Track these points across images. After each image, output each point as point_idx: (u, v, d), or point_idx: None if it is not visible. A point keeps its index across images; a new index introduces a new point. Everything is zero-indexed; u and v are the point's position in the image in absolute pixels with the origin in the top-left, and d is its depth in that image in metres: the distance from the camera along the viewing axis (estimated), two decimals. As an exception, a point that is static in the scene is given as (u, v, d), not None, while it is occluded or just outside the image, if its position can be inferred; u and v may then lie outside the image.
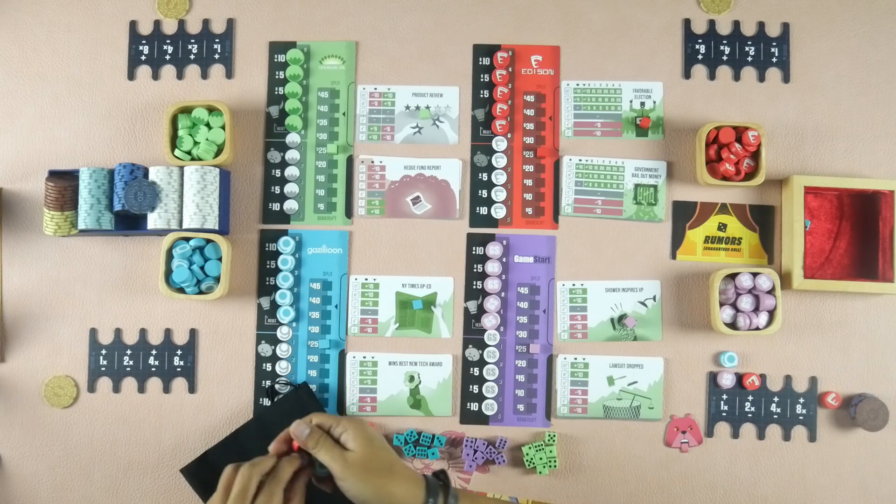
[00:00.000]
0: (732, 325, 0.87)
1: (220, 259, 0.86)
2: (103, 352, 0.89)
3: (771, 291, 0.86)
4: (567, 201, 0.90)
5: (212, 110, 0.89)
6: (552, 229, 0.90)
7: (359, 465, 0.69)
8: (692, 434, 0.88)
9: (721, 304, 0.87)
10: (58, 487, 0.88)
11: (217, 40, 0.92)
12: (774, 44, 0.92)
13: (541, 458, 0.86)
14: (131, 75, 0.92)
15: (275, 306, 0.89)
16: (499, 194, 0.90)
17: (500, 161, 0.91)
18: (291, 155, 0.91)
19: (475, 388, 0.89)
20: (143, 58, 0.92)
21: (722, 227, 0.90)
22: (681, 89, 0.92)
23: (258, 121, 0.91)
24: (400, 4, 0.92)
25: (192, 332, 0.89)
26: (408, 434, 0.87)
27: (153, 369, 0.89)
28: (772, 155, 0.90)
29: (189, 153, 0.88)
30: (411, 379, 0.89)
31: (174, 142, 0.88)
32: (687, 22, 0.92)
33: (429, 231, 0.90)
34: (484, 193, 0.91)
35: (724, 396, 0.88)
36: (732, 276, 0.87)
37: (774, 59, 0.92)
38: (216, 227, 0.86)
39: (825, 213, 0.90)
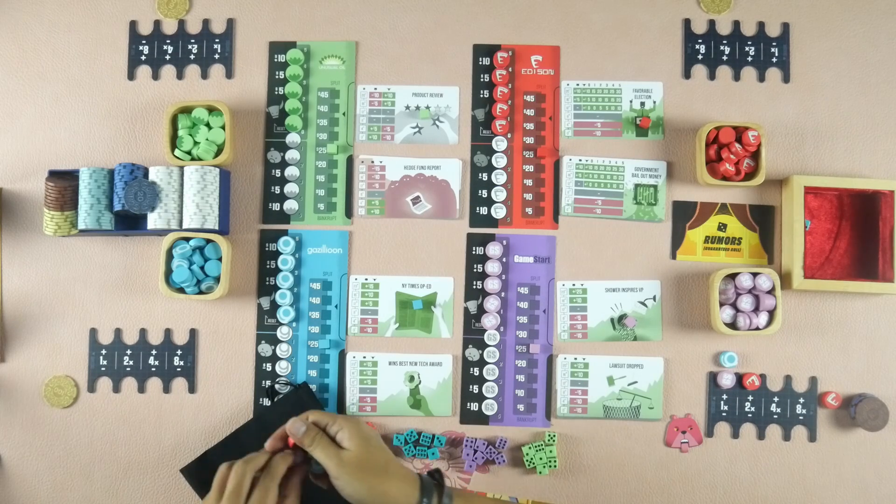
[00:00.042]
0: (732, 325, 0.87)
1: (220, 259, 0.86)
2: (103, 352, 0.89)
3: (771, 291, 0.86)
4: (567, 201, 0.90)
5: (212, 110, 0.89)
6: (552, 229, 0.90)
7: (354, 465, 0.70)
8: (692, 434, 0.88)
9: (721, 304, 0.87)
10: (58, 487, 0.88)
11: (217, 40, 0.92)
12: (774, 44, 0.92)
13: (541, 458, 0.86)
14: (131, 75, 0.92)
15: (275, 306, 0.89)
16: (499, 194, 0.90)
17: (500, 161, 0.91)
18: (291, 155, 0.91)
19: (475, 388, 0.89)
20: (143, 58, 0.92)
21: (722, 227, 0.90)
22: (681, 89, 0.92)
23: (258, 121, 0.91)
24: (400, 4, 0.92)
25: (192, 332, 0.89)
26: (408, 434, 0.87)
27: (153, 369, 0.89)
28: (772, 155, 0.90)
29: (189, 153, 0.88)
30: (411, 379, 0.89)
31: (174, 142, 0.88)
32: (687, 22, 0.92)
33: (429, 231, 0.90)
34: (484, 193, 0.91)
35: (724, 396, 0.88)
36: (732, 276, 0.87)
37: (774, 59, 0.92)
38: (216, 227, 0.86)
39: (825, 213, 0.90)
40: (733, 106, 0.91)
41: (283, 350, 0.89)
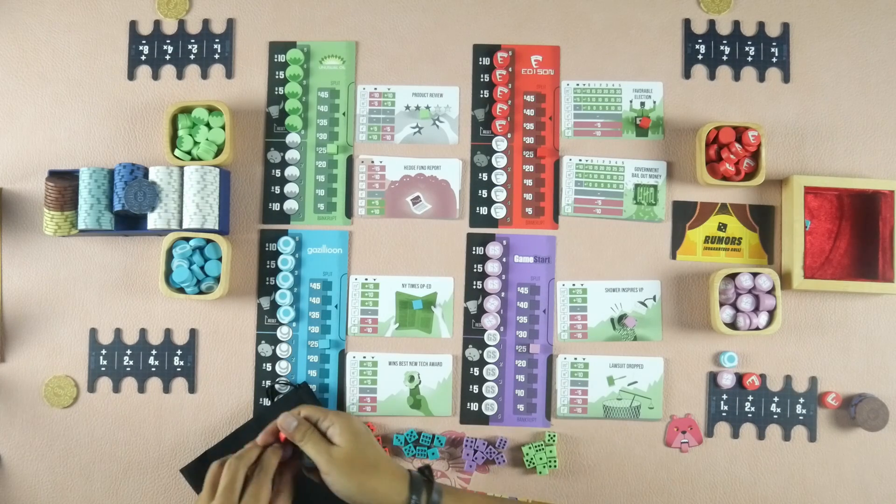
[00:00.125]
0: (732, 325, 0.87)
1: (220, 259, 0.86)
2: (103, 352, 0.89)
3: (771, 291, 0.86)
4: (567, 201, 0.90)
5: (212, 110, 0.89)
6: (552, 229, 0.90)
7: (343, 461, 0.70)
8: (692, 434, 0.88)
9: (721, 304, 0.87)
10: (58, 487, 0.88)
11: (217, 40, 0.92)
12: (774, 44, 0.92)
13: (541, 458, 0.86)
14: (131, 75, 0.92)
15: (275, 306, 0.89)
16: (499, 194, 0.90)
17: (500, 161, 0.91)
18: (291, 155, 0.91)
19: (475, 388, 0.89)
20: (143, 58, 0.92)
21: (722, 227, 0.90)
22: (681, 89, 0.92)
23: (258, 121, 0.91)
24: (400, 4, 0.92)
25: (192, 332, 0.89)
26: (408, 434, 0.87)
27: (153, 369, 0.89)
28: (772, 155, 0.90)
29: (189, 153, 0.88)
30: (411, 379, 0.89)
31: (174, 142, 0.88)
32: (687, 22, 0.92)
33: (429, 231, 0.90)
34: (484, 193, 0.91)
35: (724, 396, 0.88)
36: (732, 276, 0.87)
37: (774, 59, 0.92)
38: (216, 227, 0.86)
39: (825, 213, 0.90)
40: (733, 106, 0.91)
41: (283, 350, 0.89)
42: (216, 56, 0.92)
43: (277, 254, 0.90)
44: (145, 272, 0.90)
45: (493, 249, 0.89)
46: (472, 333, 0.89)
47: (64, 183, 0.86)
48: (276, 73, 0.92)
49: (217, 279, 0.86)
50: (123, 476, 0.88)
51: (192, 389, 0.89)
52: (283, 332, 0.89)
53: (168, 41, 0.92)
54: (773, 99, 0.91)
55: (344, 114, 0.91)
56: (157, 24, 0.93)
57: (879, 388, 0.88)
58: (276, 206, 0.91)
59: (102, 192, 0.86)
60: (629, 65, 0.92)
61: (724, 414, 0.88)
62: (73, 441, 0.88)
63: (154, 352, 0.89)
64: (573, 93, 0.91)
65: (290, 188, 0.90)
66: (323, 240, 0.90)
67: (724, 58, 0.92)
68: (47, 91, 0.92)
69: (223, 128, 0.89)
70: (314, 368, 0.89)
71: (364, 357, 0.89)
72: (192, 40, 0.92)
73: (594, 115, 0.91)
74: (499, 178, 0.90)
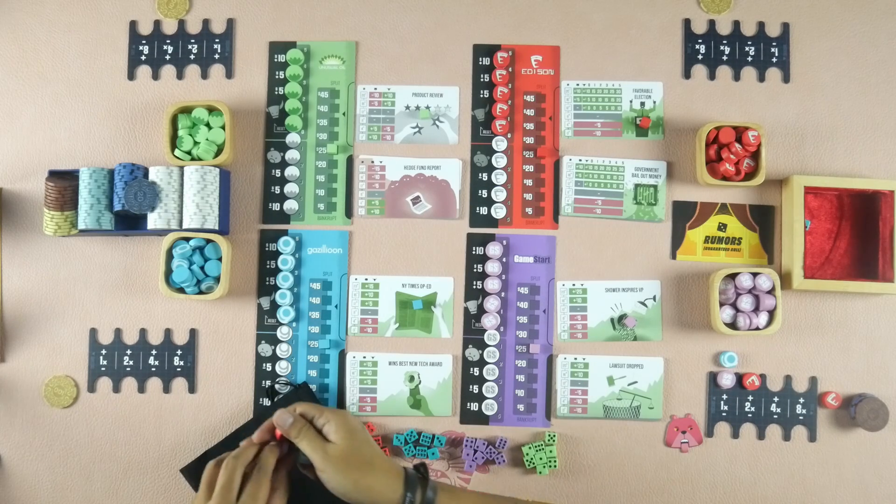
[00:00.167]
0: (732, 325, 0.87)
1: (220, 259, 0.86)
2: (103, 352, 0.89)
3: (771, 291, 0.86)
4: (567, 201, 0.90)
5: (212, 110, 0.89)
6: (552, 229, 0.90)
7: (339, 458, 0.70)
8: (692, 434, 0.88)
9: (721, 304, 0.87)
10: (58, 487, 0.88)
11: (217, 40, 0.92)
12: (774, 44, 0.92)
13: (541, 458, 0.86)
14: (131, 75, 0.92)
15: (275, 306, 0.89)
16: (499, 194, 0.90)
17: (500, 161, 0.91)
18: (291, 155, 0.91)
19: (475, 388, 0.89)
20: (143, 58, 0.92)
21: (722, 227, 0.90)
22: (681, 89, 0.92)
23: (258, 121, 0.91)
24: (400, 4, 0.92)
25: (192, 332, 0.89)
26: (408, 434, 0.87)
27: (153, 369, 0.89)
28: (772, 155, 0.90)
29: (189, 153, 0.88)
30: (411, 379, 0.89)
31: (174, 142, 0.88)
32: (687, 22, 0.92)
33: (429, 231, 0.90)
34: (484, 193, 0.91)
35: (724, 396, 0.88)
36: (732, 276, 0.87)
37: (774, 59, 0.92)
38: (216, 227, 0.86)
39: (825, 213, 0.90)
40: (733, 106, 0.91)
41: (283, 350, 0.89)
42: (216, 56, 0.92)
43: (277, 254, 0.90)
44: (145, 272, 0.90)
45: (493, 249, 0.89)
46: (472, 333, 0.89)
47: (64, 183, 0.86)
48: (276, 73, 0.92)
49: (217, 279, 0.86)
50: (123, 476, 0.88)
51: (192, 389, 0.89)
52: (283, 332, 0.89)
53: (168, 41, 0.92)
54: (773, 99, 0.91)
55: (344, 114, 0.91)
56: (157, 24, 0.93)
57: (879, 388, 0.88)
58: (276, 206, 0.91)
59: (102, 192, 0.86)
60: (629, 65, 0.92)
61: (724, 414, 0.88)
62: (73, 441, 0.88)
63: (154, 352, 0.89)
64: (573, 93, 0.91)
65: (290, 188, 0.90)
66: (323, 240, 0.90)
67: (724, 58, 0.92)
68: (47, 91, 0.92)
69: (223, 128, 0.89)
70: (314, 368, 0.89)
71: (364, 357, 0.89)
72: (192, 40, 0.92)
73: (594, 115, 0.91)
74: (499, 178, 0.90)
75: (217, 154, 0.88)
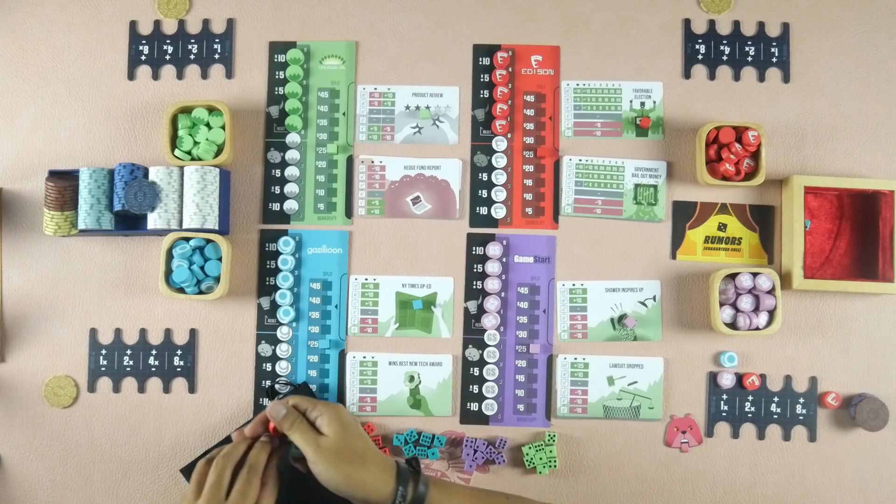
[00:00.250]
0: (732, 325, 0.87)
1: (220, 259, 0.86)
2: (103, 352, 0.89)
3: (771, 291, 0.86)
4: (567, 201, 0.90)
5: (212, 110, 0.89)
6: (552, 229, 0.90)
7: (331, 451, 0.70)
8: (692, 434, 0.88)
9: (721, 304, 0.87)
10: (58, 487, 0.88)
11: (217, 40, 0.92)
12: (774, 44, 0.92)
13: (541, 458, 0.86)
14: (131, 75, 0.92)
15: (275, 306, 0.89)
16: (499, 194, 0.90)
17: (500, 161, 0.91)
18: (291, 155, 0.91)
19: (475, 388, 0.89)
20: (143, 58, 0.92)
21: (722, 227, 0.90)
22: (681, 89, 0.92)
23: (258, 121, 0.91)
24: (400, 4, 0.92)
25: (192, 332, 0.89)
26: (408, 434, 0.87)
27: (153, 369, 0.89)
28: (772, 155, 0.90)
29: (189, 153, 0.88)
30: (411, 379, 0.89)
31: (174, 142, 0.88)
32: (687, 22, 0.92)
33: (429, 231, 0.90)
34: (484, 193, 0.91)
35: (724, 396, 0.88)
36: (732, 276, 0.87)
37: (774, 59, 0.92)
38: (216, 227, 0.86)
39: (825, 213, 0.90)
40: (733, 106, 0.91)
41: (283, 350, 0.89)
42: (216, 56, 0.92)
43: (277, 254, 0.90)
44: (145, 272, 0.90)
45: (493, 249, 0.89)
46: (472, 333, 0.89)
47: (64, 183, 0.86)
48: (276, 73, 0.92)
49: (217, 279, 0.86)
50: (123, 476, 0.88)
51: (192, 389, 0.89)
52: (283, 332, 0.89)
53: (168, 41, 0.92)
54: (773, 99, 0.91)
55: (344, 114, 0.91)
56: (157, 24, 0.93)
57: (879, 388, 0.88)
58: (276, 206, 0.91)
59: (102, 192, 0.86)
60: (629, 65, 0.92)
61: (724, 414, 0.88)
62: (73, 441, 0.88)
63: (154, 352, 0.89)
64: (573, 93, 0.91)
65: (290, 188, 0.90)
66: (323, 240, 0.90)
67: (724, 58, 0.92)
68: (47, 91, 0.92)
69: (223, 128, 0.89)
70: (314, 368, 0.89)
71: (364, 357, 0.89)
72: (192, 40, 0.92)
73: (594, 115, 0.91)
74: (499, 178, 0.90)
75: (217, 154, 0.88)
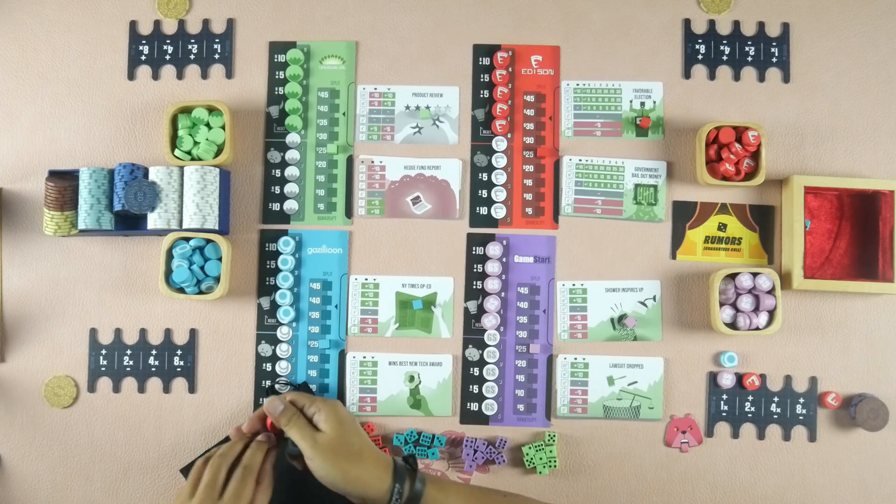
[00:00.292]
0: (732, 325, 0.87)
1: (220, 259, 0.86)
2: (103, 352, 0.89)
3: (771, 291, 0.86)
4: (567, 201, 0.90)
5: (212, 110, 0.89)
6: (552, 229, 0.90)
7: (328, 447, 0.70)
8: (692, 434, 0.88)
9: (721, 304, 0.87)
10: (58, 487, 0.88)
11: (217, 40, 0.92)
12: (774, 44, 0.92)
13: (541, 458, 0.86)
14: (131, 75, 0.92)
15: (275, 306, 0.89)
16: (499, 194, 0.90)
17: (500, 161, 0.91)
18: (291, 155, 0.91)
19: (475, 388, 0.89)
20: (143, 58, 0.92)
21: (722, 227, 0.90)
22: (681, 89, 0.92)
23: (258, 121, 0.91)
24: (400, 4, 0.92)
25: (192, 332, 0.89)
26: (408, 434, 0.87)
27: (153, 369, 0.89)
28: (772, 155, 0.90)
29: (189, 153, 0.88)
30: (411, 379, 0.89)
31: (174, 142, 0.88)
32: (687, 22, 0.92)
33: (429, 231, 0.90)
34: (484, 193, 0.91)
35: (724, 396, 0.88)
36: (732, 276, 0.87)
37: (774, 59, 0.92)
38: (216, 227, 0.86)
39: (825, 213, 0.90)
40: (733, 106, 0.91)
41: (283, 350, 0.89)
42: (216, 56, 0.92)
43: (277, 254, 0.90)
44: (145, 272, 0.90)
45: (493, 249, 0.89)
46: (472, 333, 0.89)
47: (64, 183, 0.86)
48: (276, 73, 0.92)
49: (217, 279, 0.86)
50: (123, 476, 0.88)
51: (192, 389, 0.89)
52: (283, 332, 0.89)
53: (168, 41, 0.92)
54: (773, 99, 0.91)
55: (344, 114, 0.91)
56: (157, 24, 0.93)
57: (879, 388, 0.88)
58: (276, 206, 0.91)
59: (102, 192, 0.86)
60: (629, 65, 0.92)
61: (724, 414, 0.88)
62: (73, 441, 0.88)
63: (154, 352, 0.89)
64: (573, 93, 0.91)
65: (290, 188, 0.90)
66: (323, 240, 0.90)
67: (724, 58, 0.92)
68: (47, 91, 0.92)
69: (223, 128, 0.89)
70: (314, 368, 0.89)
71: (364, 357, 0.89)
72: (192, 40, 0.92)
73: (594, 115, 0.91)
74: (499, 178, 0.90)
75: (217, 154, 0.88)
